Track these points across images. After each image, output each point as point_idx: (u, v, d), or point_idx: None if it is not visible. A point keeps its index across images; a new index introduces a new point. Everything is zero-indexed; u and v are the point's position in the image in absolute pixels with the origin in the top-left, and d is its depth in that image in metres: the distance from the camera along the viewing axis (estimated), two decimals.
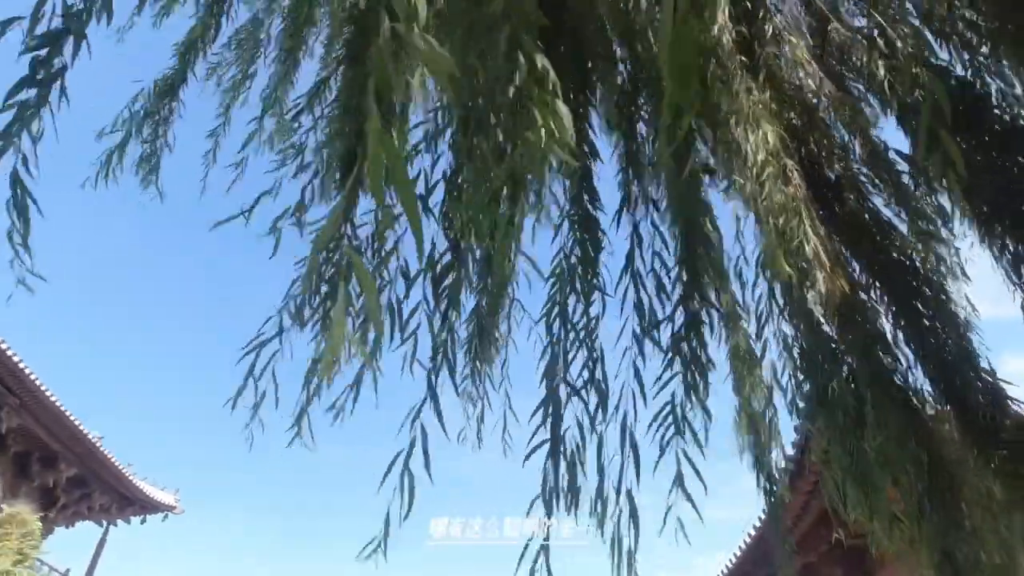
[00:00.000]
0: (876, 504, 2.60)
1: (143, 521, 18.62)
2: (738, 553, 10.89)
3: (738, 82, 2.69)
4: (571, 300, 2.54)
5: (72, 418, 15.17)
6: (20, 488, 15.98)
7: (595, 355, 2.43)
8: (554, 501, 2.03)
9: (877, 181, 3.11)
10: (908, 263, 2.90)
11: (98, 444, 16.13)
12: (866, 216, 3.01)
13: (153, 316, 60.73)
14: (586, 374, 2.38)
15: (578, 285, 2.50)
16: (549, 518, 2.01)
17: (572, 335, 2.46)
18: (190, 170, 4.43)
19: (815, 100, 3.44)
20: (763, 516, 9.84)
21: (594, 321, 2.49)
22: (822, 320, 2.61)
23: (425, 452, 1.83)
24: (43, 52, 2.10)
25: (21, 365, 13.54)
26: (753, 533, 10.29)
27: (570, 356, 2.39)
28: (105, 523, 17.84)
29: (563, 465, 2.05)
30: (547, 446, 2.14)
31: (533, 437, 2.11)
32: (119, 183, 3.79)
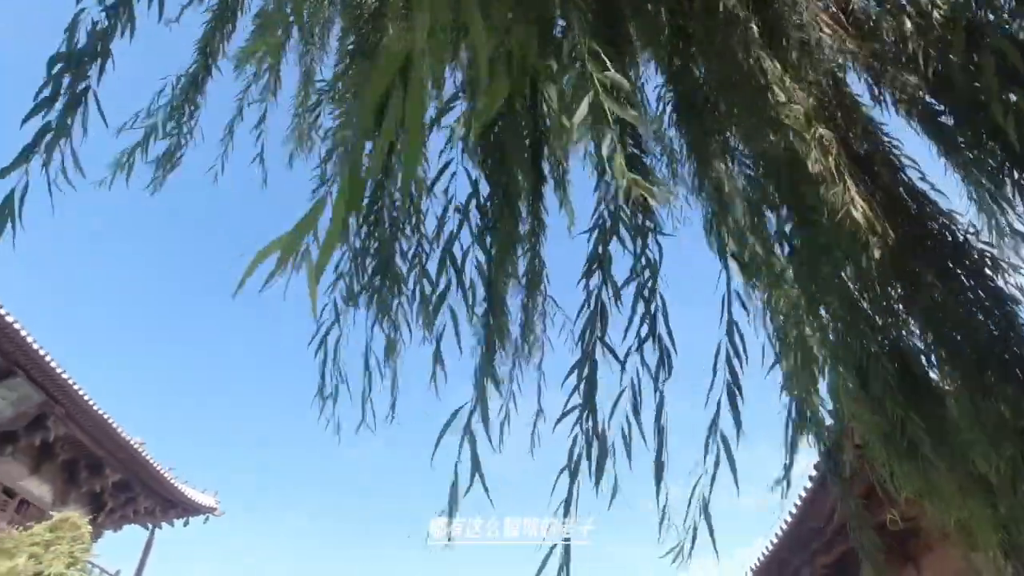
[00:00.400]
0: (931, 481, 2.52)
1: (186, 523, 19.18)
2: (775, 540, 10.74)
3: (755, 49, 2.62)
4: (620, 262, 2.34)
5: (115, 425, 15.69)
6: (70, 494, 16.60)
7: (654, 307, 2.24)
8: (579, 471, 1.88)
9: (920, 131, 2.95)
10: (949, 236, 2.80)
11: (140, 449, 16.66)
12: (900, 190, 2.92)
13: (160, 311, 62.27)
14: (644, 330, 2.19)
15: (626, 233, 2.34)
16: (572, 486, 1.85)
17: (629, 287, 2.28)
18: (205, 170, 4.39)
19: (840, 71, 3.34)
20: (799, 501, 9.68)
21: (650, 268, 2.31)
22: (860, 293, 2.54)
23: (484, 414, 1.72)
24: (67, 74, 2.13)
25: (65, 376, 14.04)
26: (789, 520, 10.13)
27: (623, 312, 2.22)
28: (150, 526, 18.43)
29: (592, 433, 1.90)
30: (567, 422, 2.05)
31: (568, 400, 1.97)
32: (136, 183, 3.71)
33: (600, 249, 2.25)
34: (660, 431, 2.01)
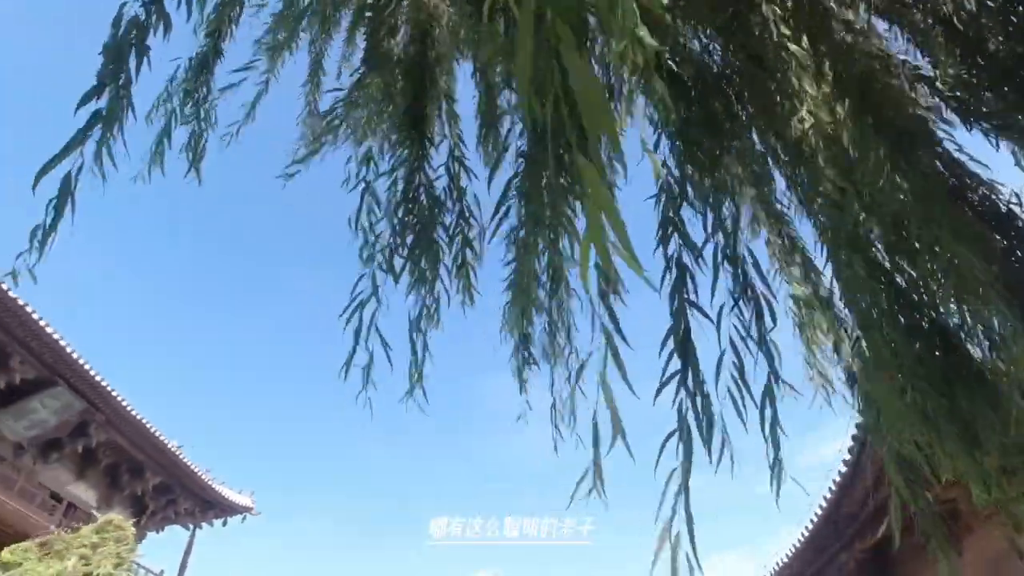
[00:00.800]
0: (975, 460, 2.48)
1: (224, 523, 19.69)
2: (809, 526, 10.64)
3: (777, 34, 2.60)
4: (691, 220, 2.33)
5: (153, 429, 16.18)
6: (113, 498, 17.18)
7: (739, 258, 2.22)
8: (692, 437, 1.80)
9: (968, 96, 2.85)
10: (992, 207, 2.73)
11: (178, 453, 17.15)
12: (937, 162, 2.86)
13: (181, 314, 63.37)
14: (736, 287, 2.18)
15: (693, 192, 2.32)
16: (688, 453, 1.75)
17: (710, 245, 2.27)
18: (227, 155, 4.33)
19: (865, 45, 3.28)
20: (834, 485, 9.58)
21: (728, 223, 2.29)
22: (895, 269, 2.50)
23: (617, 358, 1.60)
24: (111, 66, 2.25)
25: (104, 383, 14.51)
26: (824, 506, 10.03)
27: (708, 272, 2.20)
28: (191, 526, 18.97)
29: (698, 397, 1.83)
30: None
31: (667, 365, 1.91)
32: (167, 171, 3.67)
33: (671, 213, 2.23)
34: (769, 393, 1.97)
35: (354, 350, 2.65)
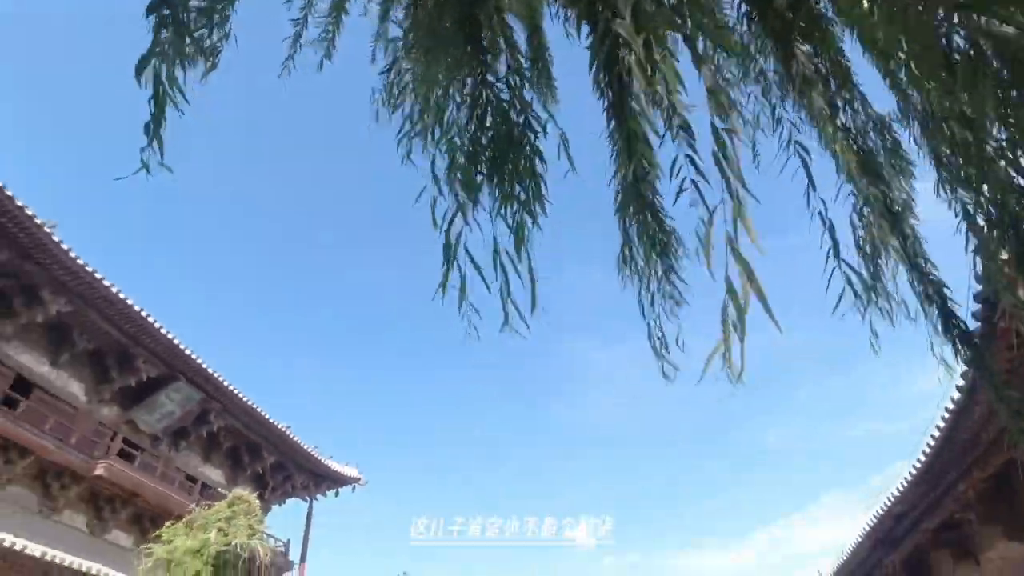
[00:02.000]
0: None
1: (336, 494, 21.32)
2: (923, 457, 10.10)
3: None
4: None
5: (263, 413, 17.65)
6: (238, 477, 19.00)
7: None
8: None
9: None
10: None
11: (288, 432, 18.64)
12: None
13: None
14: None
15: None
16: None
17: None
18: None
19: None
20: (947, 412, 9.00)
21: None
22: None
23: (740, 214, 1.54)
24: None
25: (217, 375, 15.91)
26: (938, 434, 9.47)
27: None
28: (308, 498, 20.69)
29: None
30: None
31: None
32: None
33: None
34: None
35: (447, 271, 2.52)
